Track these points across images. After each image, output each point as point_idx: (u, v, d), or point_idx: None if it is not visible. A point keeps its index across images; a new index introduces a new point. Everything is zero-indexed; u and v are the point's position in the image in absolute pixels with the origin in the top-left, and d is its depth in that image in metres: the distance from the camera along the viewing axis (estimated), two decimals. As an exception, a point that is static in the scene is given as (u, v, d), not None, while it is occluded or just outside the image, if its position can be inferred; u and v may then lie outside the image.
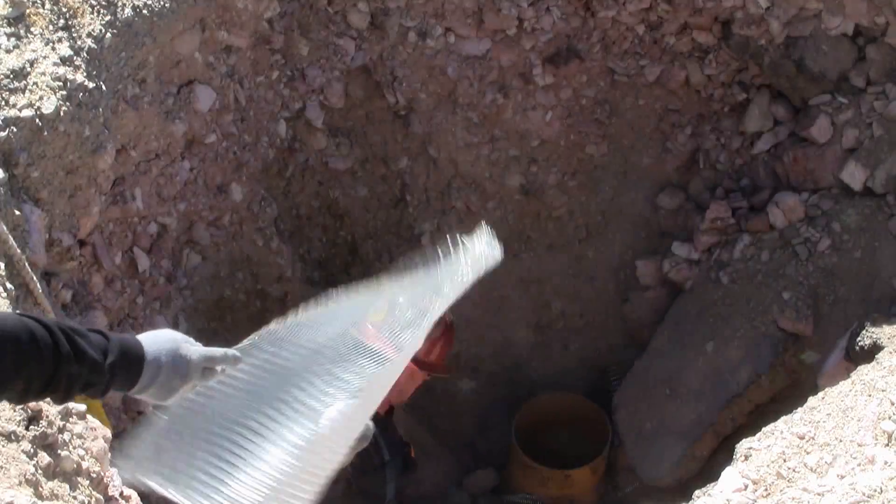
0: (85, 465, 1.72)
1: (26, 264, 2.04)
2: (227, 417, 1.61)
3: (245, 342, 1.72)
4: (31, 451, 1.61)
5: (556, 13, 3.88)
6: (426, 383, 3.57)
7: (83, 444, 1.76)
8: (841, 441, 2.09)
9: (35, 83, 2.21)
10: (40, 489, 1.57)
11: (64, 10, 2.40)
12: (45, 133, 2.19)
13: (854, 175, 3.55)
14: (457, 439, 4.68)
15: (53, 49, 2.31)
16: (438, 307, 2.05)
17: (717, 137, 4.15)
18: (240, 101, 3.46)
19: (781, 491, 2.00)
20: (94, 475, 1.74)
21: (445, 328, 3.25)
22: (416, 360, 3.18)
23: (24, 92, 2.18)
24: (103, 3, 2.54)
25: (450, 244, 2.05)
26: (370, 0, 3.81)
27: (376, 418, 2.37)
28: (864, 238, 3.49)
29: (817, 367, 3.45)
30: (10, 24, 2.25)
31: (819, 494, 1.92)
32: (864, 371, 2.50)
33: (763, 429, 2.31)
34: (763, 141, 4.00)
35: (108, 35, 2.51)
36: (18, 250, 2.02)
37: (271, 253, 3.81)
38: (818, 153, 3.71)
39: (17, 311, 1.67)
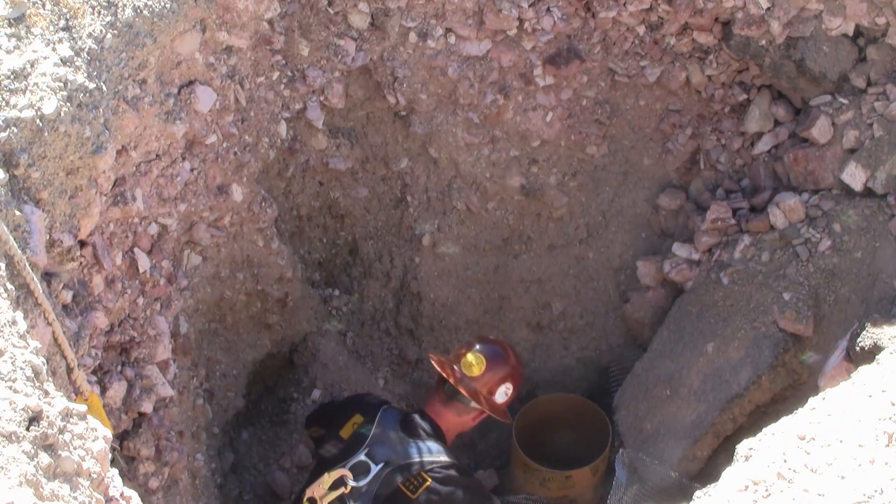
0: (85, 465, 1.72)
1: (27, 265, 2.04)
2: None
3: None
4: (32, 451, 1.61)
5: (556, 14, 3.89)
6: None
7: (84, 444, 1.76)
8: (841, 442, 2.09)
9: (35, 84, 2.21)
10: (41, 490, 1.57)
11: (64, 10, 2.40)
12: (46, 134, 2.19)
13: (854, 176, 3.55)
14: (456, 440, 4.68)
15: (54, 50, 2.31)
16: None
17: (718, 138, 4.15)
18: (240, 101, 3.46)
19: (782, 491, 2.00)
20: (95, 476, 1.74)
21: (522, 373, 3.51)
22: (502, 409, 3.37)
23: (24, 92, 2.18)
24: (104, 3, 2.54)
25: None
26: (371, 1, 3.81)
27: None
28: (864, 238, 3.49)
29: (818, 367, 3.45)
30: (10, 25, 2.25)
31: (820, 495, 1.93)
32: (864, 371, 2.50)
33: (764, 429, 2.31)
34: (763, 141, 4.00)
35: (109, 35, 2.51)
36: (19, 251, 2.02)
37: (271, 253, 3.81)
38: (818, 154, 3.71)
39: None
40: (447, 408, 3.46)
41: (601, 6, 3.86)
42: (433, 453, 3.22)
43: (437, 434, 3.36)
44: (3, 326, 1.81)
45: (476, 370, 3.44)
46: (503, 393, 3.50)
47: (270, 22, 3.54)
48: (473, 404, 3.43)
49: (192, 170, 3.21)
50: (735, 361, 3.65)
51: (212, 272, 3.51)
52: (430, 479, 3.13)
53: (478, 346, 3.53)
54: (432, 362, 3.55)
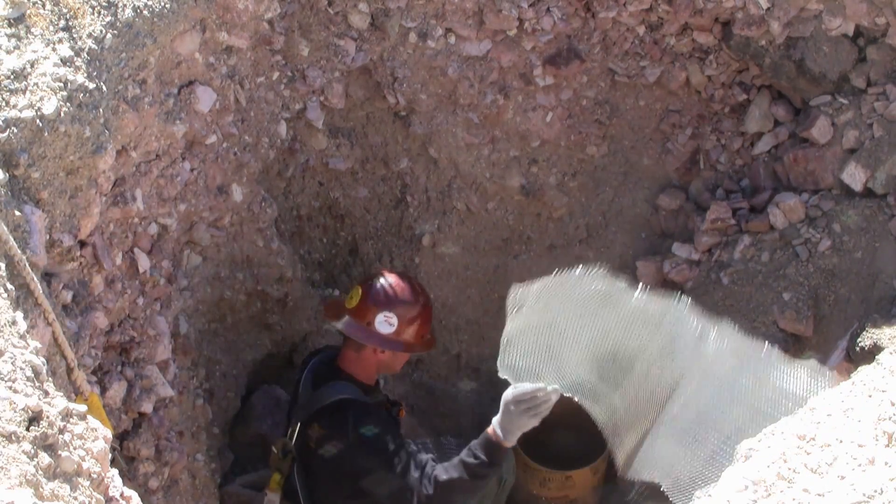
0: (85, 465, 1.72)
1: (27, 265, 2.04)
2: None
3: None
4: (32, 451, 1.61)
5: (556, 14, 3.89)
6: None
7: (84, 444, 1.76)
8: (841, 442, 2.09)
9: (35, 84, 2.21)
10: (41, 490, 1.57)
11: (64, 10, 2.40)
12: (46, 134, 2.20)
13: (854, 176, 3.55)
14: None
15: (54, 50, 2.31)
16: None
17: (718, 138, 4.15)
18: (240, 101, 3.46)
19: (782, 492, 2.00)
20: (95, 476, 1.74)
21: (422, 307, 3.36)
22: (388, 340, 3.30)
23: (24, 93, 2.18)
24: (104, 3, 2.54)
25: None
26: (370, 1, 3.81)
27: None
28: (864, 239, 3.49)
29: (817, 367, 3.44)
30: (10, 25, 2.25)
31: (820, 495, 1.92)
32: (864, 371, 2.50)
33: (764, 429, 2.31)
34: (763, 142, 4.00)
35: (109, 36, 2.52)
36: (19, 251, 2.02)
37: (272, 253, 3.81)
38: (818, 154, 3.71)
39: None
40: (346, 347, 3.41)
41: (601, 6, 3.86)
42: (329, 395, 3.26)
43: (337, 375, 3.36)
44: (3, 326, 1.81)
45: (353, 301, 3.40)
46: (384, 322, 3.38)
47: (270, 22, 3.55)
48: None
49: (192, 170, 3.21)
50: (735, 361, 3.65)
51: (212, 272, 3.51)
52: (317, 425, 3.21)
53: (367, 280, 3.48)
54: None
